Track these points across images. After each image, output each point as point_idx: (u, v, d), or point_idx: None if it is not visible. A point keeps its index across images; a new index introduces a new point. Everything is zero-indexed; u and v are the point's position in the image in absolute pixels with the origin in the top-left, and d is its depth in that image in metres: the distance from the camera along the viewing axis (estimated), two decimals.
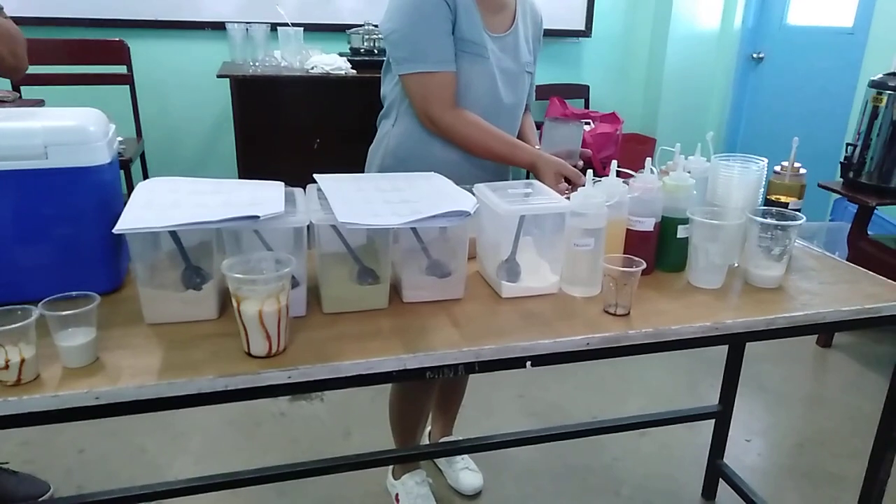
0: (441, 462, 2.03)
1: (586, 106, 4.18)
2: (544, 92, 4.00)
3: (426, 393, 1.79)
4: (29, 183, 1.00)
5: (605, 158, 3.71)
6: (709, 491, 1.99)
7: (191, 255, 1.02)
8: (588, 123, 3.82)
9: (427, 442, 2.05)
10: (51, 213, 1.02)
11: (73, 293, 0.92)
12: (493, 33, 1.52)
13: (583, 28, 4.02)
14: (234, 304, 0.93)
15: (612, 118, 3.96)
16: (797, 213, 1.27)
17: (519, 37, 1.58)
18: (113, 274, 1.11)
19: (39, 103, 2.79)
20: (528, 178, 1.47)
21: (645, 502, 1.97)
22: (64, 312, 0.89)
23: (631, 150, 3.88)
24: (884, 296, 1.22)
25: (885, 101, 2.49)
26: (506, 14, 1.55)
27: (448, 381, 1.91)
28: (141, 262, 1.01)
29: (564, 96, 4.05)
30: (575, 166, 1.47)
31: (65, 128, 1.02)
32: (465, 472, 1.96)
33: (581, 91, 4.17)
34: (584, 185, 1.18)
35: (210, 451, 2.10)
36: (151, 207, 1.00)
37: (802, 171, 1.39)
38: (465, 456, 2.00)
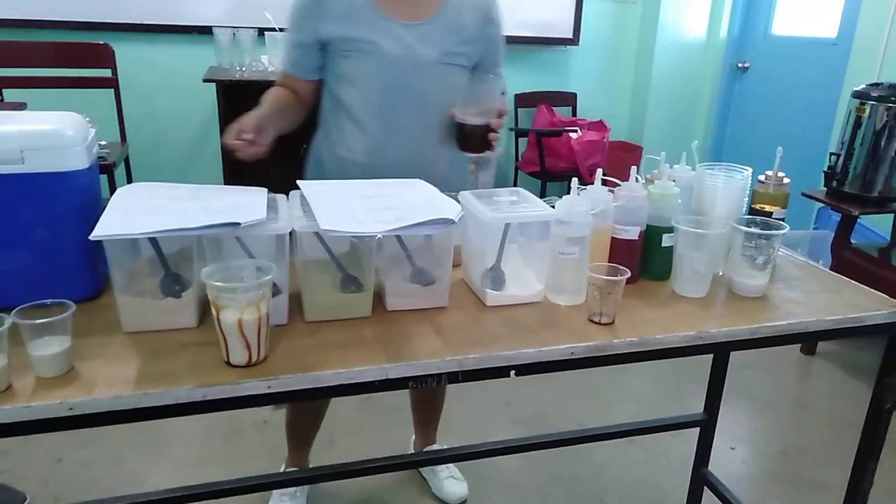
0: (425, 471, 2.01)
1: (574, 114, 4.20)
2: (532, 99, 4.02)
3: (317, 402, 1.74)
4: (4, 188, 0.98)
5: (592, 166, 3.73)
6: (694, 499, 1.98)
7: (170, 262, 1.01)
8: (575, 131, 3.83)
9: (411, 451, 2.03)
10: (27, 219, 1.00)
11: (48, 301, 0.90)
12: (404, 20, 1.46)
13: (570, 36, 4.04)
14: (214, 312, 0.91)
15: (600, 126, 3.98)
16: (781, 222, 1.27)
17: (444, 26, 1.50)
18: (90, 281, 1.09)
19: (21, 107, 2.76)
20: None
21: None
22: (37, 321, 0.87)
23: (618, 158, 3.89)
24: (866, 305, 1.23)
25: (867, 111, 2.52)
26: (425, 3, 1.50)
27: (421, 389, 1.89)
28: (119, 269, 0.99)
29: (552, 104, 4.07)
30: (492, 123, 1.43)
31: (42, 132, 1.00)
32: (450, 481, 1.95)
33: (568, 99, 4.18)
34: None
35: (191, 459, 2.07)
36: (130, 213, 0.99)
37: (786, 180, 1.40)
38: (450, 464, 1.99)
